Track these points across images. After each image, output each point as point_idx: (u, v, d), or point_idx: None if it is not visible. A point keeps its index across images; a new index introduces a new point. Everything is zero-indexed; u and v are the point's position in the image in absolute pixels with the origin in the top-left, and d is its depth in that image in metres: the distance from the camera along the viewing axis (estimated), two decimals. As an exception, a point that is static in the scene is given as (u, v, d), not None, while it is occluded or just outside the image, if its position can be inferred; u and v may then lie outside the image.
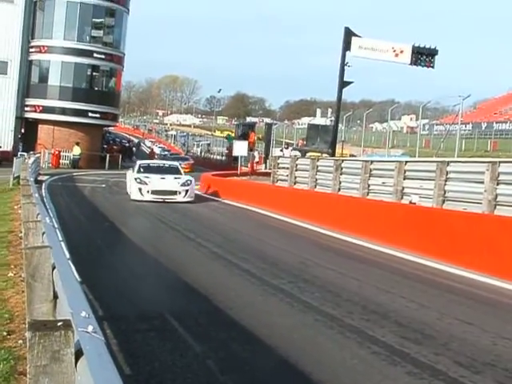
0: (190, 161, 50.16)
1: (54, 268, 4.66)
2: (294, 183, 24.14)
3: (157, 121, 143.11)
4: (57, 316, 4.08)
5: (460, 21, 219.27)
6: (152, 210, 21.02)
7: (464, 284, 10.21)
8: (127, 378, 5.39)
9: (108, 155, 50.23)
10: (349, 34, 33.69)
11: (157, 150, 77.18)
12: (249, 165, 40.33)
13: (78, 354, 2.70)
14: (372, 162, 19.79)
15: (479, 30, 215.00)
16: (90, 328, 2.72)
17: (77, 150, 45.96)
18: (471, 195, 14.26)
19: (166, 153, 73.06)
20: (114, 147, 58.95)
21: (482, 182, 13.72)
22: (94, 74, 49.38)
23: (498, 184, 13.41)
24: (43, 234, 6.41)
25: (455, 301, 8.96)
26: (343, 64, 33.60)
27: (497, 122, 73.50)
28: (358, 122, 75.77)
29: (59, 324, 2.70)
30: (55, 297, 4.57)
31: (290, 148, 44.71)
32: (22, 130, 47.28)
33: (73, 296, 3.47)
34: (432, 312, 8.05)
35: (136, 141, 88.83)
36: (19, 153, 38.22)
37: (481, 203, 13.67)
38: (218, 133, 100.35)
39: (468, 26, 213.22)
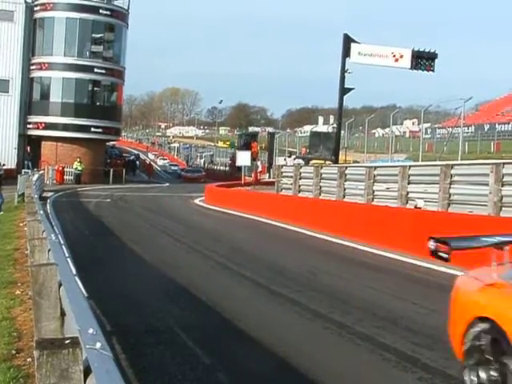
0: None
1: (60, 285, 4.64)
2: (299, 191, 24.12)
3: (159, 133, 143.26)
4: (65, 333, 4.05)
5: (458, 23, 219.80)
6: (157, 222, 21.03)
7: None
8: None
9: (112, 169, 50.27)
10: (348, 41, 33.72)
11: (160, 163, 77.05)
12: (252, 174, 40.32)
13: (87, 371, 2.67)
14: (376, 167, 19.77)
15: (478, 31, 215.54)
16: (98, 345, 2.69)
17: (78, 165, 46.01)
18: (476, 197, 14.22)
19: (176, 168, 72.09)
20: (118, 161, 59.00)
21: (487, 184, 13.67)
22: (96, 89, 49.47)
23: (502, 185, 13.37)
24: (49, 250, 6.40)
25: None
26: (343, 71, 33.60)
27: (499, 123, 73.26)
28: (360, 128, 75.72)
29: (67, 342, 2.68)
30: (62, 314, 4.54)
31: (293, 156, 44.64)
32: (28, 149, 47.22)
33: (80, 313, 3.44)
34: (443, 317, 7.98)
35: (135, 153, 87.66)
36: (23, 170, 38.23)
37: (486, 205, 13.62)
38: (220, 143, 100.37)
39: (466, 27, 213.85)
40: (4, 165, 37.38)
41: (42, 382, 2.62)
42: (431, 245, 5.78)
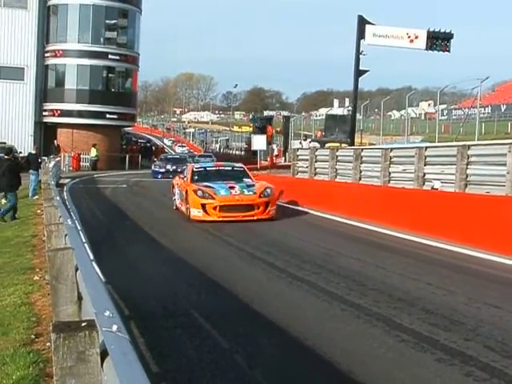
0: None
1: (77, 269, 4.65)
2: (314, 174, 24.06)
3: (174, 119, 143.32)
4: (82, 317, 4.07)
5: (474, 1, 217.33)
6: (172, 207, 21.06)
7: (491, 268, 10.11)
8: (155, 375, 5.39)
9: (127, 156, 50.40)
10: (362, 22, 33.53)
11: (178, 150, 76.64)
12: (268, 158, 40.28)
13: (104, 353, 2.67)
14: (392, 149, 19.65)
15: (494, 10, 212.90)
16: (115, 327, 2.69)
17: (94, 152, 46.18)
18: (494, 178, 14.10)
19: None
20: (134, 147, 59.15)
21: (505, 164, 13.55)
22: (110, 75, 49.53)
23: (520, 165, 13.24)
24: (65, 236, 6.43)
25: (483, 285, 8.87)
26: (358, 53, 33.45)
27: (516, 104, 72.67)
28: (376, 110, 75.41)
29: (83, 324, 2.68)
30: (80, 298, 4.56)
31: (309, 140, 44.52)
32: (56, 142, 47.19)
33: (96, 296, 3.45)
34: (460, 297, 7.97)
35: (150, 139, 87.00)
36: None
37: (504, 185, 13.51)
38: (236, 128, 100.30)
39: (482, 6, 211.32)
40: (20, 152, 37.57)
41: (59, 365, 2.63)
42: None
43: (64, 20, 47.44)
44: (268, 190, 17.20)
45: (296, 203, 20.39)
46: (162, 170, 38.41)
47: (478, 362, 5.51)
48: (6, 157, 19.77)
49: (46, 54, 48.14)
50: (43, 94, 48.22)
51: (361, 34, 33.36)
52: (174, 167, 36.77)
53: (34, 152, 28.50)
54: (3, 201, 19.88)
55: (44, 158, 34.61)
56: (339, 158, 22.35)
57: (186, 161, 38.07)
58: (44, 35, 48.06)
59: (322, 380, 5.41)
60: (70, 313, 4.62)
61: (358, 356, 5.86)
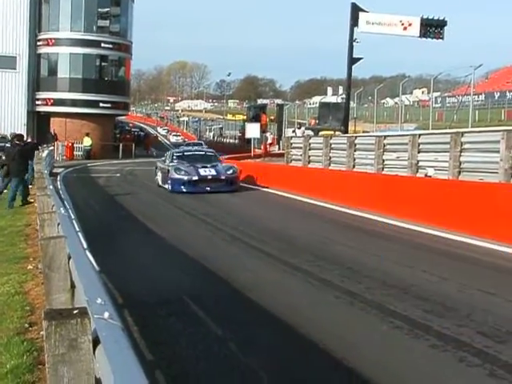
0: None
1: (70, 257, 4.64)
2: (308, 162, 24.07)
3: (168, 108, 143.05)
4: (75, 305, 4.07)
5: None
6: (167, 195, 21.03)
7: (485, 254, 10.13)
8: (149, 363, 5.39)
9: (121, 144, 50.27)
10: (356, 10, 33.43)
11: (173, 139, 76.37)
12: (262, 146, 40.23)
13: (96, 341, 2.67)
14: (385, 136, 19.66)
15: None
16: (106, 314, 2.68)
17: (87, 141, 46.06)
18: (487, 165, 14.13)
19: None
20: (127, 136, 58.98)
21: (498, 151, 13.58)
22: (103, 64, 49.30)
23: (513, 152, 13.26)
24: (58, 224, 6.41)
25: (476, 272, 8.90)
26: (351, 40, 33.39)
27: (510, 91, 72.50)
28: (370, 98, 75.29)
29: (75, 312, 2.68)
30: (73, 286, 4.56)
31: (303, 128, 44.46)
32: (53, 131, 46.95)
33: (89, 284, 3.44)
34: (453, 284, 7.99)
35: (144, 128, 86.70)
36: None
37: (497, 172, 13.54)
38: (229, 116, 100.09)
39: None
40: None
41: (51, 353, 2.62)
42: None
43: (56, 8, 47.12)
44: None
45: (288, 190, 20.41)
46: (194, 178, 21.40)
47: (471, 348, 5.53)
48: (16, 142, 19.86)
49: (39, 43, 47.86)
50: (36, 83, 47.98)
51: (354, 22, 33.27)
52: (209, 171, 21.75)
53: (29, 141, 28.42)
54: None
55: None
56: (333, 145, 22.35)
57: (217, 158, 24.17)
58: (36, 24, 47.76)
59: (316, 366, 5.41)
60: (62, 301, 4.61)
61: (351, 343, 5.88)
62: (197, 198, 20.02)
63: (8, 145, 21.04)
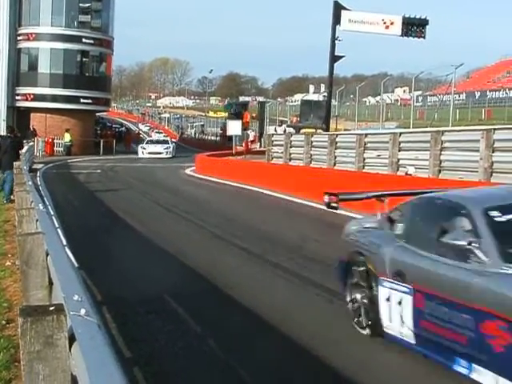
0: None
1: (48, 254, 4.61)
2: (289, 160, 24.07)
3: (149, 104, 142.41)
4: (52, 302, 4.03)
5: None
6: (148, 192, 20.99)
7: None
8: (127, 360, 5.37)
9: (102, 140, 50.03)
10: (338, 8, 33.42)
11: (155, 137, 76.04)
12: (243, 144, 40.20)
13: (72, 338, 2.65)
14: (366, 135, 19.72)
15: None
16: (83, 311, 2.66)
17: (67, 137, 45.78)
18: (467, 164, 14.22)
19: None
20: (108, 132, 58.70)
21: (478, 150, 13.67)
22: (84, 59, 48.99)
23: (493, 151, 13.37)
24: (37, 221, 6.36)
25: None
26: (334, 38, 33.39)
27: (490, 91, 73.13)
28: (351, 96, 75.45)
29: (51, 309, 2.65)
30: (50, 283, 4.52)
31: (284, 125, 44.49)
32: (31, 127, 46.50)
33: (66, 281, 3.41)
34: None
35: (125, 124, 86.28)
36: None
37: (477, 171, 13.63)
38: (211, 113, 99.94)
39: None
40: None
41: (26, 350, 2.59)
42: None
43: (37, 2, 46.69)
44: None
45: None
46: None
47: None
48: (9, 134, 19.76)
49: (19, 38, 47.45)
50: (16, 78, 47.57)
51: (336, 20, 33.27)
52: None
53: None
54: None
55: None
56: (314, 143, 22.38)
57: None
58: (16, 18, 47.33)
59: (295, 363, 5.42)
60: (40, 297, 4.58)
61: (334, 339, 5.89)
62: (177, 195, 20.00)
63: None
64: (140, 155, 44.44)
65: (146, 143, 47.97)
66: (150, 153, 44.52)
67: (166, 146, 46.54)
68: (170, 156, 44.32)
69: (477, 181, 13.17)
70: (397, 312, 5.38)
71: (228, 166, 29.35)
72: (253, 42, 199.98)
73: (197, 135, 73.40)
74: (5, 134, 20.45)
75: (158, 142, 49.90)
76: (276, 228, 13.29)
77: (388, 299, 5.52)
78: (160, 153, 44.65)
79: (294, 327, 6.26)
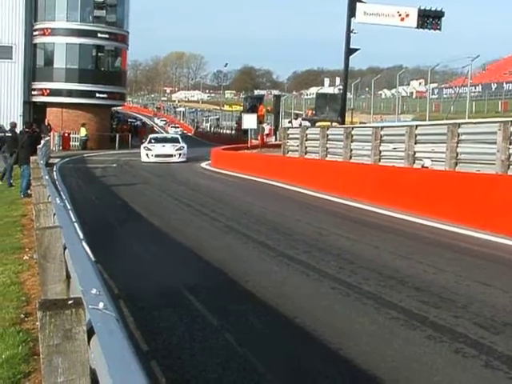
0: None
1: (65, 248, 4.62)
2: (305, 153, 24.02)
3: (165, 98, 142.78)
4: (70, 295, 4.05)
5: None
6: (164, 186, 21.03)
7: (481, 246, 10.13)
8: (145, 354, 5.38)
9: (118, 135, 50.18)
10: (353, 0, 33.26)
11: (171, 131, 76.12)
12: (259, 137, 40.15)
13: (91, 331, 2.65)
14: (382, 127, 19.62)
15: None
16: (101, 305, 2.67)
17: (83, 132, 46.00)
18: (484, 156, 14.10)
19: None
20: (124, 127, 58.91)
21: (495, 143, 13.55)
22: (99, 54, 49.21)
23: (510, 144, 13.24)
24: (54, 215, 6.39)
25: (473, 263, 8.88)
26: (349, 31, 33.24)
27: (507, 83, 72.56)
28: (367, 89, 75.28)
29: (70, 302, 2.66)
30: (68, 276, 4.54)
31: (299, 119, 44.36)
32: (46, 121, 46.50)
33: (84, 274, 3.42)
34: (450, 275, 7.98)
35: (141, 118, 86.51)
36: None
37: (494, 164, 13.52)
38: (226, 107, 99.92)
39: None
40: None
41: (45, 343, 2.61)
42: None
43: (52, -3, 46.98)
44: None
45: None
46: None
47: (467, 339, 5.53)
48: (26, 129, 19.91)
49: (35, 33, 47.71)
50: (32, 73, 47.86)
51: (351, 12, 33.13)
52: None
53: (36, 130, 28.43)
54: None
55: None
56: (330, 136, 22.31)
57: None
58: (32, 13, 47.60)
59: (313, 357, 5.41)
60: (58, 291, 4.60)
61: (348, 334, 5.87)
62: (194, 189, 20.02)
63: (8, 134, 21.05)
64: (144, 159, 33.67)
65: (150, 142, 35.30)
66: (157, 156, 33.54)
67: (178, 145, 34.77)
68: (184, 160, 33.76)
69: (494, 173, 13.09)
70: None
71: (243, 159, 29.35)
72: (268, 35, 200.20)
73: (212, 129, 73.45)
74: (22, 129, 20.56)
75: (165, 140, 37.09)
76: (292, 221, 13.27)
77: None
78: (171, 155, 33.72)
79: (311, 322, 6.24)
